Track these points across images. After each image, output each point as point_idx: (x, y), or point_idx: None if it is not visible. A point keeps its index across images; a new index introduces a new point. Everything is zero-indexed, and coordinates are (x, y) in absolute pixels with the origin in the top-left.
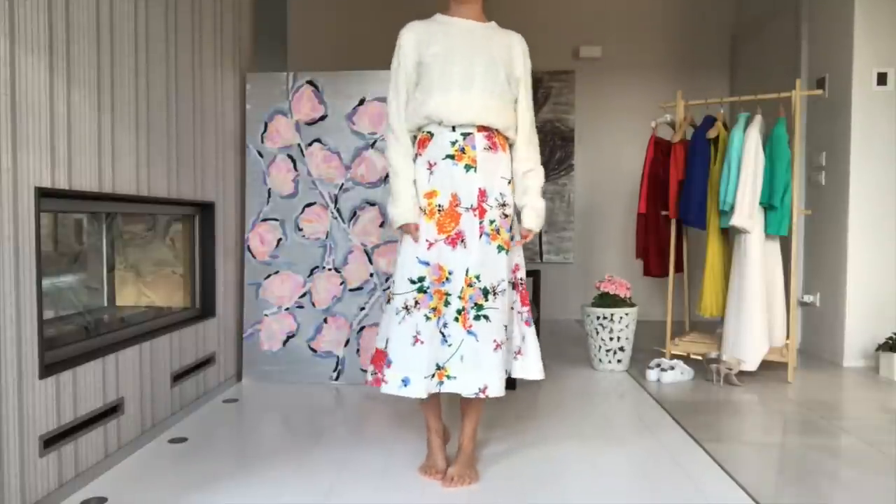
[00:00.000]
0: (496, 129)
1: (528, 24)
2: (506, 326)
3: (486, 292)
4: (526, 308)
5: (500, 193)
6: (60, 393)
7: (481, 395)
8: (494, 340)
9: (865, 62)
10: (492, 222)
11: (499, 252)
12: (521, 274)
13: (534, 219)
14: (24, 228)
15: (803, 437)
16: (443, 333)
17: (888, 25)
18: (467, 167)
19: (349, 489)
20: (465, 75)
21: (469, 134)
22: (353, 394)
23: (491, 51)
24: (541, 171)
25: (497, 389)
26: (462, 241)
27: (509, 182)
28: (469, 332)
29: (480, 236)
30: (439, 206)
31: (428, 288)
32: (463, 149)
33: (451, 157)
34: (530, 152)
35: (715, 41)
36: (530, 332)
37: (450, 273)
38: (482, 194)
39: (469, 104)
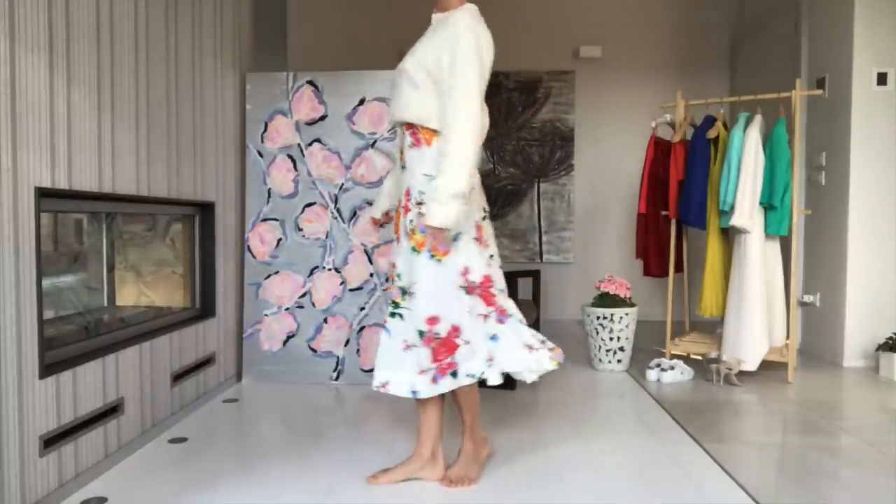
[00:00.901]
0: (416, 125)
1: (528, 24)
2: (420, 332)
3: (403, 291)
4: (492, 308)
5: (419, 192)
6: (60, 393)
7: (381, 391)
8: (404, 341)
9: (865, 62)
10: (410, 221)
11: (411, 252)
12: (474, 276)
13: (432, 211)
14: (24, 228)
15: (803, 437)
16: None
17: (888, 25)
18: (402, 166)
19: (349, 489)
20: (399, 72)
21: (402, 133)
22: (353, 394)
23: (428, 44)
24: (453, 156)
25: (398, 388)
26: (398, 238)
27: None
28: (385, 328)
29: (405, 234)
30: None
31: (385, 283)
32: (401, 148)
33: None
34: (447, 140)
35: (715, 41)
36: (505, 328)
37: (393, 268)
38: (407, 193)
39: (393, 101)
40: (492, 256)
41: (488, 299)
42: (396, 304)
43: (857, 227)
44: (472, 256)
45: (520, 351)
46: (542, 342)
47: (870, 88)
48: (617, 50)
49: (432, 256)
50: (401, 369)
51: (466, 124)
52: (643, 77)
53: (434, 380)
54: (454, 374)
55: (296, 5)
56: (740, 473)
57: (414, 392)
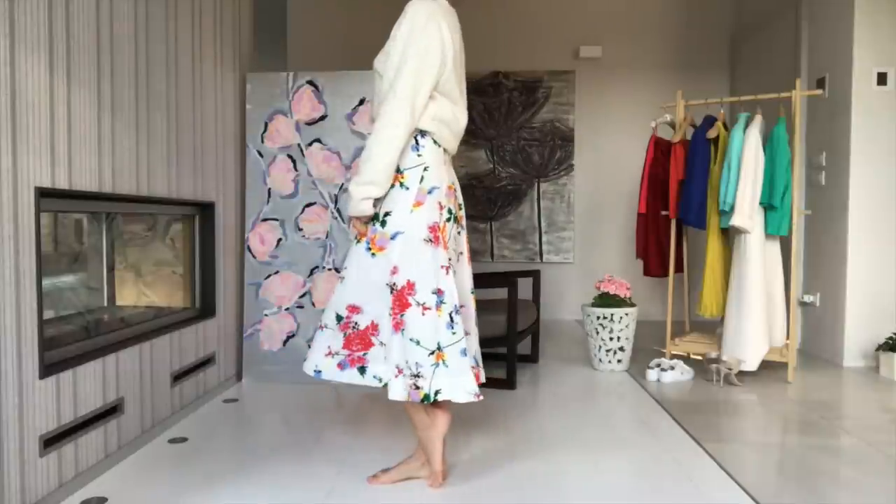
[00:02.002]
0: None
1: (528, 24)
2: (338, 316)
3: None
4: (399, 313)
5: None
6: (60, 393)
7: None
8: (321, 320)
9: (865, 62)
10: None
11: (353, 240)
12: (399, 278)
13: (349, 202)
14: (24, 228)
15: (803, 437)
16: None
17: (888, 25)
18: None
19: (349, 489)
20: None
21: None
22: (353, 394)
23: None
24: (369, 151)
25: (307, 366)
26: None
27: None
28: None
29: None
30: None
31: None
32: None
33: None
34: (372, 131)
35: (715, 41)
36: (396, 339)
37: None
38: None
39: (374, 99)
40: (450, 259)
41: (398, 303)
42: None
43: (857, 227)
44: (407, 257)
45: (401, 384)
46: (415, 375)
47: (870, 88)
48: (617, 50)
49: (369, 249)
50: (313, 349)
51: (389, 121)
52: (643, 77)
53: (341, 366)
54: (361, 371)
55: (296, 5)
56: (740, 473)
57: (317, 372)
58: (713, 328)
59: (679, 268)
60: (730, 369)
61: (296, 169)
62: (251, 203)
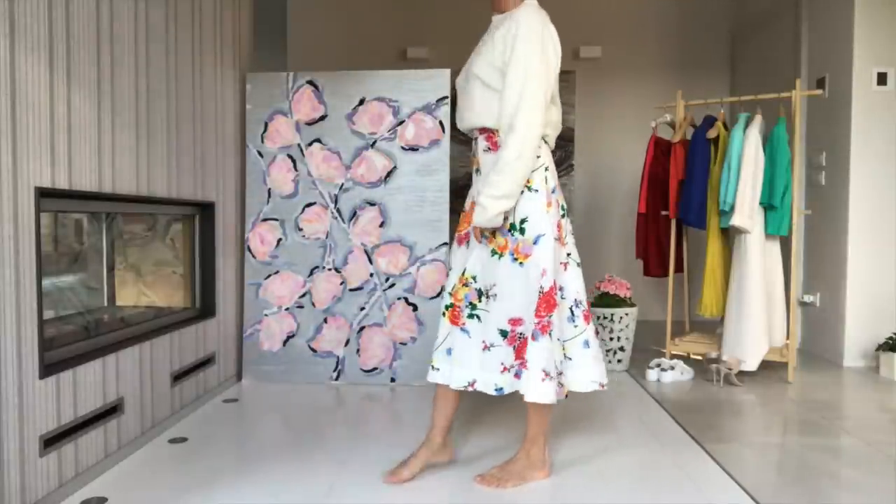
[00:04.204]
0: (494, 129)
1: None
2: (502, 331)
3: (480, 293)
4: (538, 319)
5: None
6: (60, 393)
7: (469, 389)
8: (483, 341)
9: (865, 62)
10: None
11: (492, 256)
12: (546, 280)
13: (477, 213)
14: (24, 228)
15: (803, 437)
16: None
17: (888, 25)
18: (476, 171)
19: (349, 489)
20: (465, 78)
21: (476, 137)
22: (353, 394)
23: (492, 44)
24: (505, 162)
25: (484, 385)
26: (467, 241)
27: None
28: (462, 330)
29: (482, 237)
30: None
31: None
32: (474, 153)
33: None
34: (504, 144)
35: (715, 41)
36: (545, 341)
37: (450, 269)
38: None
39: (463, 107)
40: (569, 255)
41: (539, 308)
42: (474, 306)
43: (857, 227)
44: (550, 259)
45: (540, 385)
46: (559, 374)
47: (870, 88)
48: (617, 50)
49: (515, 259)
50: (485, 369)
51: (526, 132)
52: (643, 77)
53: (517, 375)
54: None
55: (296, 5)
56: (740, 473)
57: (499, 389)
58: (713, 328)
59: (679, 268)
60: (730, 369)
61: (296, 169)
62: (251, 203)
